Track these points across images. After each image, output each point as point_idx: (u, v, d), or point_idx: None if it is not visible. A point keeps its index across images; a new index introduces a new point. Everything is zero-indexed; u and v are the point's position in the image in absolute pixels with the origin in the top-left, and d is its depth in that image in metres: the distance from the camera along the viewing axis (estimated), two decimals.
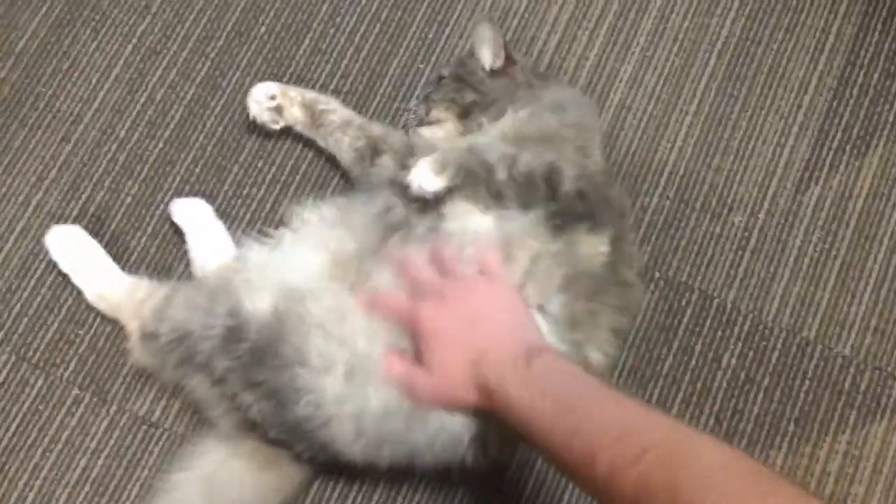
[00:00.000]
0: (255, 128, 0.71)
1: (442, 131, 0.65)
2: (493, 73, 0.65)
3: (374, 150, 0.65)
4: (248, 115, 0.69)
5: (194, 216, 0.68)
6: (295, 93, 0.68)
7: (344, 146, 0.67)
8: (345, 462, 0.57)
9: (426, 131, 0.65)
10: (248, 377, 0.53)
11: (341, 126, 0.67)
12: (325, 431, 0.53)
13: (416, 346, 0.52)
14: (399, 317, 0.53)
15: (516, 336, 0.51)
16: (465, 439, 0.53)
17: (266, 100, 0.67)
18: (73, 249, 0.65)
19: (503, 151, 0.55)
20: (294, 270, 0.55)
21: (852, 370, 0.68)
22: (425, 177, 0.54)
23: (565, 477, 0.47)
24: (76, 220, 0.70)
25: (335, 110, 0.67)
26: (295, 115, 0.68)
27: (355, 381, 0.52)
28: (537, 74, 0.68)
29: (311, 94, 0.68)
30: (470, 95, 0.64)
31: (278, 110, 0.68)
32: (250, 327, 0.53)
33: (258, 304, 0.54)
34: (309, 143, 0.72)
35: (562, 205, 0.54)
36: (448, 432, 0.53)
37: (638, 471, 0.39)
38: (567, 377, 0.48)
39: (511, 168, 0.54)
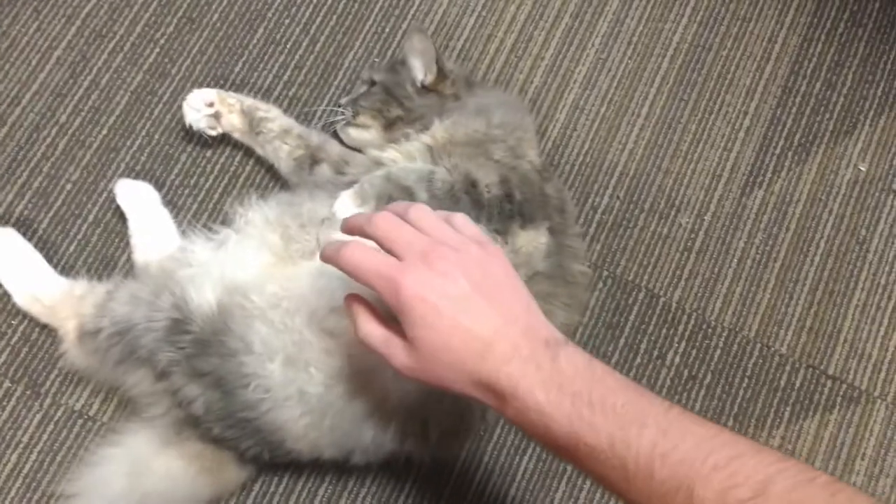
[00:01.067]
0: (193, 133, 0.68)
1: (368, 135, 0.66)
2: (423, 87, 0.65)
3: (312, 160, 0.65)
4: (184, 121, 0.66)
5: (139, 199, 0.66)
6: (234, 100, 0.67)
7: (283, 154, 0.66)
8: (288, 458, 0.56)
9: (353, 132, 0.66)
10: (194, 368, 0.52)
11: (280, 135, 0.66)
12: (271, 417, 0.52)
13: (390, 312, 0.42)
14: (375, 280, 0.41)
15: (526, 321, 0.41)
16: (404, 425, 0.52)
17: (203, 106, 0.66)
18: (4, 251, 0.63)
19: (419, 173, 0.55)
20: (237, 269, 0.54)
21: (788, 368, 0.70)
22: (347, 209, 0.54)
23: (626, 502, 0.38)
24: (11, 206, 0.67)
25: (274, 118, 0.67)
26: (233, 122, 0.67)
27: (298, 364, 0.51)
28: (467, 83, 0.68)
29: (249, 101, 0.67)
30: (396, 111, 0.65)
31: (216, 117, 0.67)
32: (194, 319, 0.52)
33: (203, 296, 0.53)
34: None
35: (490, 210, 0.54)
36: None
37: None
38: (612, 382, 0.39)
39: (429, 187, 0.54)
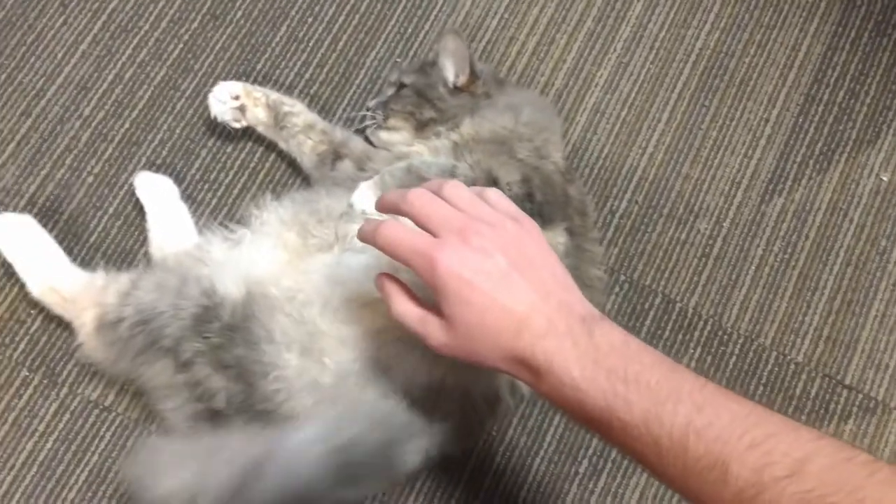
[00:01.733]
0: (215, 127, 0.69)
1: (399, 136, 0.66)
2: (455, 88, 0.65)
3: (335, 155, 0.65)
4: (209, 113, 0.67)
5: (159, 192, 0.66)
6: (259, 93, 0.67)
7: (306, 149, 0.66)
8: None
9: (384, 135, 0.66)
10: (219, 359, 0.52)
11: (304, 129, 0.66)
12: (287, 408, 0.51)
13: (427, 290, 0.42)
14: (411, 256, 0.41)
15: (562, 297, 0.40)
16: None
17: (229, 99, 0.66)
18: (21, 239, 0.62)
19: (440, 166, 0.55)
20: (253, 267, 0.54)
21: (804, 377, 0.70)
22: (366, 199, 0.54)
23: (664, 481, 0.38)
24: (34, 197, 0.68)
25: (299, 113, 0.67)
26: (258, 115, 0.67)
27: (313, 355, 0.51)
28: (496, 81, 0.68)
29: (275, 95, 0.67)
30: (428, 113, 0.64)
31: (241, 110, 0.67)
32: (225, 307, 0.52)
33: (229, 287, 0.53)
34: None
35: None
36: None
37: (800, 487, 0.32)
38: (648, 358, 0.38)
39: None
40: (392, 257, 0.42)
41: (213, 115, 0.67)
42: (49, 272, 0.61)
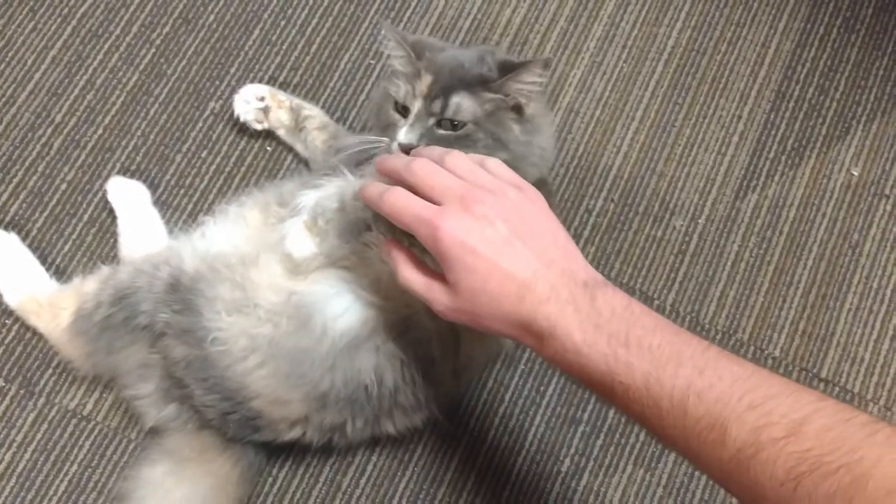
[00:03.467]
0: (199, 117, 0.68)
1: None
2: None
3: (338, 150, 0.64)
4: (194, 103, 0.66)
5: (130, 198, 0.65)
6: (284, 97, 0.68)
7: (318, 143, 0.67)
8: (269, 432, 0.54)
9: None
10: (180, 326, 0.52)
11: (319, 127, 0.67)
12: (232, 373, 0.51)
13: (433, 258, 0.42)
14: (415, 224, 0.41)
15: (564, 264, 0.40)
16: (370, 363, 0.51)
17: (255, 100, 0.67)
18: (2, 255, 0.62)
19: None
20: (216, 244, 0.55)
21: (781, 371, 0.69)
22: (302, 246, 0.52)
23: (663, 442, 0.38)
24: (6, 205, 0.66)
25: (315, 116, 0.68)
26: (281, 118, 0.68)
27: (247, 309, 0.51)
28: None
29: (297, 100, 0.68)
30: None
31: (265, 112, 0.68)
32: (184, 278, 0.53)
33: (187, 262, 0.54)
34: (255, 135, 0.69)
35: None
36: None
37: (798, 446, 0.32)
38: (651, 322, 0.38)
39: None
40: (396, 223, 0.42)
41: (236, 114, 0.67)
42: (28, 282, 0.61)
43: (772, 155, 0.75)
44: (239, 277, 0.53)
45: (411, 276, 0.43)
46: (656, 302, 0.70)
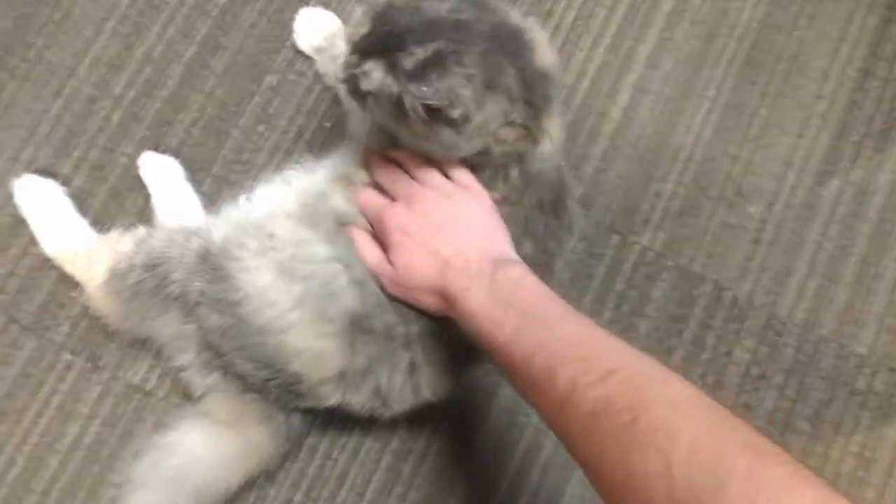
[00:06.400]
0: (256, 91, 0.64)
1: None
2: None
3: None
4: (251, 77, 0.63)
5: (161, 174, 0.62)
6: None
7: None
8: (311, 397, 0.52)
9: None
10: (214, 295, 0.51)
11: None
12: (274, 338, 0.50)
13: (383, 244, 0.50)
14: (371, 216, 0.51)
15: (484, 246, 0.47)
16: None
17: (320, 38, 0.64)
18: (42, 201, 0.60)
19: None
20: (254, 212, 0.54)
21: (867, 370, 0.62)
22: None
23: (522, 395, 0.43)
24: (68, 179, 0.63)
25: None
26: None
27: (284, 269, 0.50)
28: None
29: None
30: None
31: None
32: (213, 247, 0.52)
33: (219, 231, 0.53)
34: (313, 112, 0.65)
35: None
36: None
37: (600, 390, 0.37)
38: (533, 293, 0.44)
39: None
40: (363, 216, 0.51)
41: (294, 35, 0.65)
42: (66, 230, 0.60)
43: (856, 137, 0.68)
44: (267, 227, 0.51)
45: (367, 251, 0.50)
46: (730, 293, 0.64)
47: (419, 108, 0.43)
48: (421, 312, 0.49)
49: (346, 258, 0.50)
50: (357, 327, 0.50)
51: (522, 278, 0.45)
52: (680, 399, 0.36)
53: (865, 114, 0.68)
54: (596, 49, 0.69)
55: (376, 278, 0.50)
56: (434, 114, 0.44)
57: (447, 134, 0.45)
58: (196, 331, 0.52)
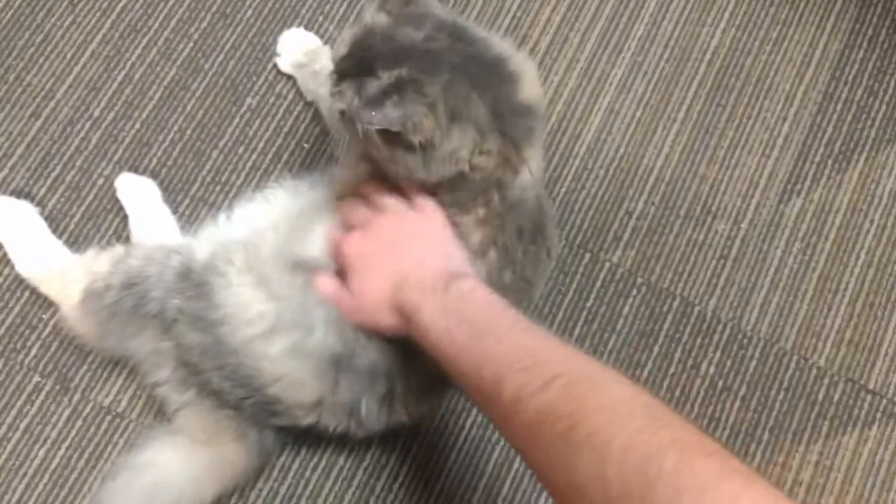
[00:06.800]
0: (236, 113, 0.65)
1: None
2: None
3: None
4: (231, 98, 0.63)
5: (138, 196, 0.62)
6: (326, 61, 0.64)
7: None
8: (286, 416, 0.52)
9: None
10: (193, 313, 0.50)
11: None
12: (249, 353, 0.50)
13: (343, 274, 0.50)
14: (332, 248, 0.51)
15: (438, 262, 0.48)
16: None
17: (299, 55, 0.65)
18: (17, 222, 0.60)
19: None
20: (236, 231, 0.54)
21: (826, 381, 0.65)
22: None
23: (476, 406, 0.45)
24: (43, 200, 0.63)
25: None
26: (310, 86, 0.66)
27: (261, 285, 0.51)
28: None
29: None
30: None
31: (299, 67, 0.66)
32: (196, 265, 0.52)
33: (203, 247, 0.54)
34: (292, 132, 0.66)
35: None
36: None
37: (543, 398, 0.37)
38: (483, 304, 0.45)
39: None
40: (331, 253, 0.52)
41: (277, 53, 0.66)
42: (40, 251, 0.59)
43: (818, 158, 0.71)
44: (252, 244, 0.52)
45: (325, 283, 0.50)
46: (697, 308, 0.66)
47: (370, 132, 0.44)
48: (391, 340, 0.49)
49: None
50: (340, 365, 0.50)
51: (473, 291, 0.45)
52: (616, 402, 0.36)
53: (827, 135, 0.71)
54: (570, 73, 0.71)
55: (337, 309, 0.49)
56: (393, 138, 0.44)
57: (410, 159, 0.46)
58: (173, 348, 0.52)
